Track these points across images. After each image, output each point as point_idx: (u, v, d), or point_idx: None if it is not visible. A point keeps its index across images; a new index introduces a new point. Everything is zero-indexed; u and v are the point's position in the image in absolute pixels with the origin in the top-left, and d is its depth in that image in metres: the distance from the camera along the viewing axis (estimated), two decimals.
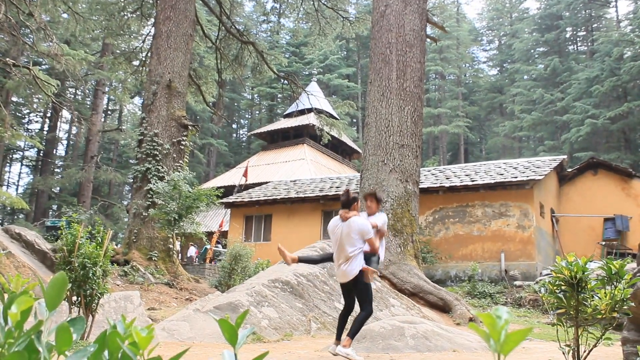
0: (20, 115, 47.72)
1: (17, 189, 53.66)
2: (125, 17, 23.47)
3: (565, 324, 3.57)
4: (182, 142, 17.98)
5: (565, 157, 23.46)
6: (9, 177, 52.23)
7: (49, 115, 46.93)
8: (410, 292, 13.33)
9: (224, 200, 24.26)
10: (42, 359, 0.76)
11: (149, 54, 21.79)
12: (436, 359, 5.92)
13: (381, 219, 6.90)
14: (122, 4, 23.25)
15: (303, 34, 38.58)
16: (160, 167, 17.27)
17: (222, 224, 27.32)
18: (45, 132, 48.73)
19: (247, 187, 30.26)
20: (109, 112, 55.33)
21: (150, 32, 23.78)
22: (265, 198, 23.51)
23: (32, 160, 53.18)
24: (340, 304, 10.16)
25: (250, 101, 66.17)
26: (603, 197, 21.48)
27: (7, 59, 20.72)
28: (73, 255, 6.77)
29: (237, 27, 25.29)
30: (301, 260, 6.89)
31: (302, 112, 37.79)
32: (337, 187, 22.56)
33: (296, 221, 22.81)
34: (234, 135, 70.41)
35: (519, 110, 52.68)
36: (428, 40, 18.16)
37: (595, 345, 3.46)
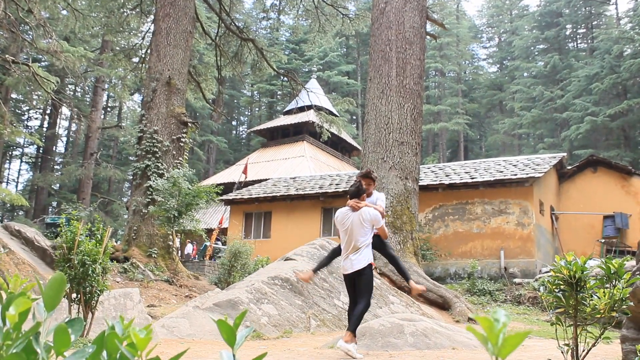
0: (19, 112, 47.74)
1: (16, 186, 53.70)
2: (125, 14, 23.44)
3: (564, 323, 3.58)
4: (181, 139, 17.97)
5: (564, 154, 23.45)
6: (8, 174, 52.26)
7: (48, 112, 46.90)
8: (409, 290, 13.34)
9: (224, 197, 24.25)
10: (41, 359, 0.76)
11: (148, 51, 21.76)
12: (435, 357, 5.92)
13: (381, 198, 6.97)
14: (122, 1, 23.21)
15: (303, 31, 38.54)
16: (159, 164, 17.26)
17: (222, 221, 27.33)
18: (44, 129, 48.71)
19: (246, 184, 30.24)
20: (108, 109, 55.32)
21: (149, 29, 23.77)
22: (265, 195, 23.51)
23: (31, 157, 53.19)
24: (339, 301, 10.17)
25: (249, 98, 66.12)
26: (603, 194, 21.48)
27: (7, 56, 20.71)
28: (73, 253, 6.77)
29: (236, 24, 25.25)
30: (316, 270, 7.14)
31: (301, 109, 37.69)
32: (337, 184, 22.56)
33: (296, 218, 22.82)
34: (234, 132, 70.39)
35: (518, 108, 52.65)
36: (428, 37, 18.15)
37: (594, 345, 3.47)
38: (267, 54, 23.96)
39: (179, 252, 24.49)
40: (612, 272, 3.41)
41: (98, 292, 6.85)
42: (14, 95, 39.41)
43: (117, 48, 27.56)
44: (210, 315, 8.85)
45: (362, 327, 6.76)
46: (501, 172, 20.01)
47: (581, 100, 45.91)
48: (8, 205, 41.12)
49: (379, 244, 6.72)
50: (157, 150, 17.33)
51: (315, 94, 30.45)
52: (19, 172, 55.76)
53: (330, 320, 9.72)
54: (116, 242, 22.08)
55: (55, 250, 8.07)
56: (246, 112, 70.59)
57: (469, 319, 12.81)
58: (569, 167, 22.91)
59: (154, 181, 16.43)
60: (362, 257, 6.29)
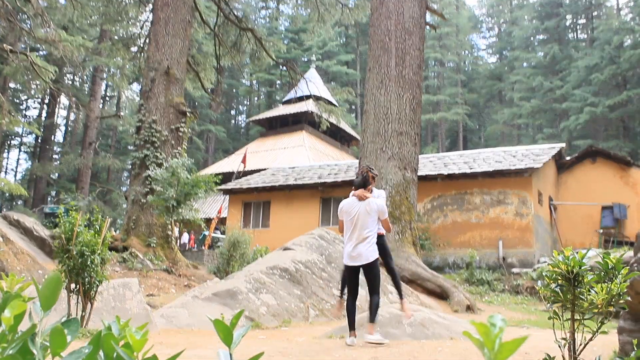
0: (18, 101, 47.58)
1: (15, 176, 53.64)
2: (123, 3, 23.29)
3: (561, 317, 3.59)
4: (180, 129, 17.94)
5: (563, 145, 23.46)
6: (7, 164, 52.14)
7: (47, 101, 46.75)
8: (408, 279, 13.37)
9: (223, 186, 24.25)
10: None
11: (147, 41, 21.67)
12: (433, 347, 5.94)
13: (381, 195, 6.97)
14: None
15: (302, 20, 38.37)
16: (158, 154, 17.24)
17: (221, 210, 27.34)
18: (43, 119, 48.53)
19: (245, 173, 30.23)
20: (107, 99, 55.18)
21: (148, 18, 23.61)
22: (264, 185, 23.51)
23: (30, 146, 53.09)
24: (338, 291, 10.19)
25: (248, 88, 65.94)
26: (601, 185, 21.50)
27: (5, 45, 20.61)
28: (71, 243, 6.76)
29: (235, 13, 25.10)
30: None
31: (300, 99, 37.69)
32: (336, 174, 22.55)
33: (295, 208, 22.82)
34: (233, 121, 70.26)
35: (518, 98, 52.57)
36: (427, 27, 18.08)
37: (591, 339, 3.48)
38: (266, 43, 23.86)
39: (178, 241, 24.51)
40: (609, 267, 3.42)
41: (97, 282, 6.85)
42: (12, 85, 39.31)
43: (116, 37, 27.41)
44: (209, 304, 8.88)
45: (360, 318, 6.77)
46: (500, 162, 20.01)
47: (581, 90, 45.84)
48: (7, 194, 41.11)
49: (382, 252, 6.66)
50: (156, 139, 17.30)
51: (314, 84, 30.34)
52: (17, 161, 55.75)
53: (329, 310, 9.75)
54: (115, 231, 22.09)
55: (54, 240, 8.08)
56: (245, 102, 70.45)
57: (468, 307, 12.86)
58: (568, 158, 22.92)
59: (152, 171, 16.42)
60: (373, 249, 6.28)
